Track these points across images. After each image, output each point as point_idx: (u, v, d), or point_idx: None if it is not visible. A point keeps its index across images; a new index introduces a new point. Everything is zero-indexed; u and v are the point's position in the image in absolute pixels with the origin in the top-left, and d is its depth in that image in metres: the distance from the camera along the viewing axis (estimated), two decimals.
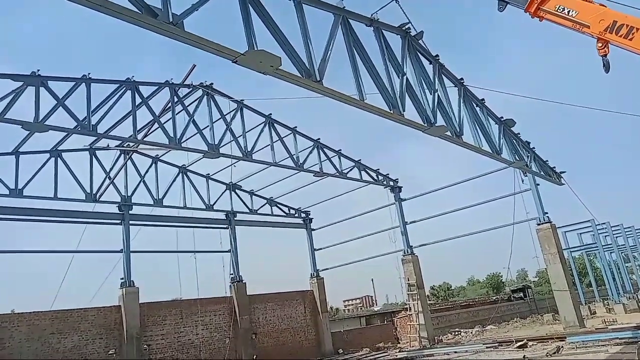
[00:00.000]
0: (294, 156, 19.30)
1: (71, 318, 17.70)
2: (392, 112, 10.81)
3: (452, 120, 13.00)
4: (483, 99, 15.38)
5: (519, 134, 17.84)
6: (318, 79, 9.01)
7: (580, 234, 41.28)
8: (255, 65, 8.06)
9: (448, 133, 12.59)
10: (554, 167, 21.03)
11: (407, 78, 11.52)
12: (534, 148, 18.93)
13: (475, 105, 14.91)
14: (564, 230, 38.48)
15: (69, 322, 17.56)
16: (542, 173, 19.66)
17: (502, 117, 16.36)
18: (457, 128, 13.08)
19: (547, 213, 20.85)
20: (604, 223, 39.02)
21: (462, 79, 14.18)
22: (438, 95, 12.52)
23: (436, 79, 12.72)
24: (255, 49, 7.84)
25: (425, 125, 11.80)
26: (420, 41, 12.30)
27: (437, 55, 12.97)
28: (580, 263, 53.89)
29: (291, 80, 8.84)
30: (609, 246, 40.98)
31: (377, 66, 10.93)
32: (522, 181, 21.07)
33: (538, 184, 21.18)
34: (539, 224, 20.88)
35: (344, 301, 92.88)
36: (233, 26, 8.10)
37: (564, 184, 21.38)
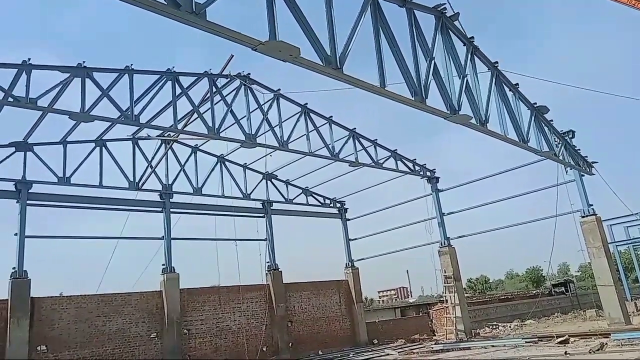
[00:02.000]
0: (330, 146, 19.31)
1: (115, 302, 18.41)
2: (413, 99, 10.60)
3: (478, 106, 12.65)
4: (517, 84, 14.92)
5: (552, 121, 17.21)
6: (338, 66, 8.95)
7: (628, 227, 39.56)
8: (275, 54, 8.15)
9: (472, 121, 12.26)
10: (586, 157, 20.21)
11: (434, 62, 11.25)
12: (568, 136, 18.26)
13: (508, 90, 14.48)
14: (610, 223, 36.94)
15: (113, 306, 18.28)
16: (571, 162, 18.93)
17: (535, 104, 15.82)
18: (482, 115, 12.72)
19: (592, 205, 20.07)
20: None
21: (496, 62, 13.75)
22: (467, 80, 12.19)
23: (468, 63, 12.38)
24: (277, 38, 7.91)
25: (449, 112, 11.53)
26: (455, 22, 11.99)
27: (472, 38, 12.62)
28: (626, 257, 51.74)
29: (310, 68, 8.81)
30: None
31: (404, 50, 10.70)
32: (567, 172, 20.34)
33: (583, 175, 20.41)
34: (583, 217, 20.14)
35: (379, 292, 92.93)
36: (255, 9, 8.19)
37: (594, 174, 20.53)
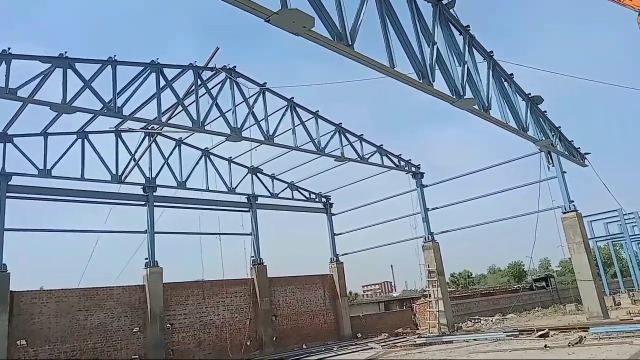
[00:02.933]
0: (316, 140, 19.32)
1: (97, 296, 18.20)
2: (421, 81, 10.59)
3: (480, 94, 12.74)
4: (512, 74, 15.09)
5: (545, 112, 17.44)
6: (349, 43, 8.84)
7: (607, 223, 40.42)
8: (288, 25, 7.90)
9: (476, 107, 12.35)
10: (579, 148, 20.50)
11: (437, 48, 11.25)
12: (559, 127, 18.52)
13: (503, 80, 14.62)
14: (590, 219, 37.72)
15: (95, 300, 18.07)
16: (566, 153, 19.22)
17: (529, 94, 16.01)
18: (485, 102, 12.84)
19: (573, 201, 20.39)
20: (632, 213, 38.10)
21: (491, 52, 13.87)
22: (467, 68, 12.25)
23: (466, 51, 12.45)
24: (289, 7, 7.64)
25: (454, 97, 11.57)
26: (451, 10, 12.01)
27: (467, 26, 12.69)
28: (605, 253, 52.84)
29: (322, 43, 8.60)
30: (637, 236, 40.05)
31: (408, 35, 10.66)
32: (548, 169, 20.63)
33: (565, 172, 20.70)
34: (564, 213, 20.44)
35: (363, 286, 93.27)
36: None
37: (587, 166, 20.83)
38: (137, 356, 18.37)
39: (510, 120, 14.25)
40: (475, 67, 12.91)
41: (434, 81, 10.85)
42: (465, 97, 11.70)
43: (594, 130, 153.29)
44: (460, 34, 12.56)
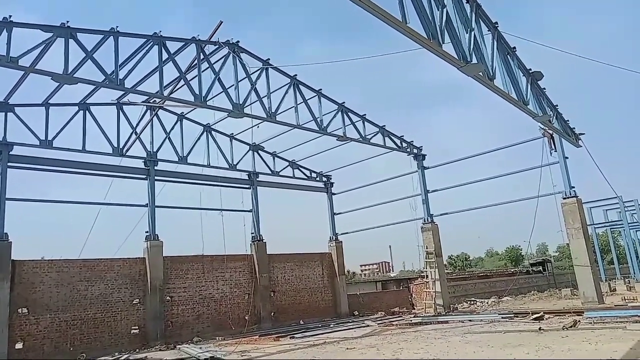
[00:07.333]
0: (318, 119, 19.22)
1: (98, 267, 18.38)
2: (431, 41, 10.46)
3: (485, 63, 12.64)
4: (514, 47, 14.94)
5: (544, 89, 17.32)
6: None
7: (606, 210, 40.54)
8: None
9: (481, 73, 12.25)
10: (574, 128, 20.41)
11: (447, 11, 11.10)
12: (557, 106, 18.39)
13: (506, 53, 14.49)
14: (590, 205, 37.80)
15: (96, 271, 18.26)
16: (561, 131, 19.13)
17: (530, 69, 15.89)
18: (490, 71, 12.77)
19: (574, 187, 20.39)
20: (631, 200, 38.13)
21: (496, 23, 13.71)
22: (474, 36, 12.13)
23: (473, 18, 12.30)
24: None
25: (462, 62, 11.47)
26: None
27: None
28: (603, 240, 53.12)
29: None
30: (636, 224, 40.18)
31: None
32: (551, 153, 20.56)
33: (567, 157, 20.63)
34: (564, 198, 20.47)
35: (361, 266, 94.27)
36: None
37: (581, 146, 20.74)
38: (136, 327, 18.67)
39: (512, 92, 14.16)
40: (482, 36, 12.76)
41: (443, 43, 10.70)
42: (472, 63, 11.58)
43: (597, 115, 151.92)
44: (467, 1, 12.35)
